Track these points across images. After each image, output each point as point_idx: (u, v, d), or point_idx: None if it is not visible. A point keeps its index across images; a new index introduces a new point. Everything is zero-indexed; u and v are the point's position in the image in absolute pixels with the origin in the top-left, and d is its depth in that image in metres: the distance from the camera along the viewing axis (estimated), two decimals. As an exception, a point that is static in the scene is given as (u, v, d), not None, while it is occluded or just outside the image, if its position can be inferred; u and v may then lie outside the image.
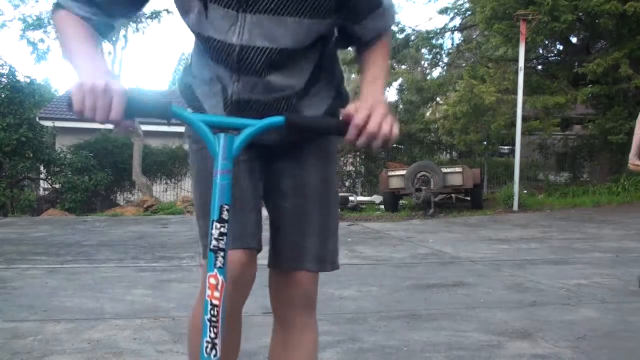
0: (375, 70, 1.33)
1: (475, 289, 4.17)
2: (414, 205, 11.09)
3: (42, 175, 14.48)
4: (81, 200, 13.26)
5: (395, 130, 1.16)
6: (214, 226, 1.08)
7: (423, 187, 10.54)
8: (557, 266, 5.16)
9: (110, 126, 1.23)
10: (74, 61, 1.20)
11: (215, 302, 1.07)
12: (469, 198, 11.70)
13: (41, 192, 14.86)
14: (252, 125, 1.16)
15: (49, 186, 14.40)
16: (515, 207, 10.82)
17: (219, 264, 1.08)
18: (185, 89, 1.45)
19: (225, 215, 1.09)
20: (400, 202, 11.93)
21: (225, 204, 1.09)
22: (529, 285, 4.28)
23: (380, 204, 12.55)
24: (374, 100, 1.19)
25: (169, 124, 1.14)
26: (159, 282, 4.45)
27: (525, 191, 12.33)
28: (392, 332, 3.06)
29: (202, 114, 1.23)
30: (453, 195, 11.85)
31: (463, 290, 4.14)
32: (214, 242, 1.08)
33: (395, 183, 11.04)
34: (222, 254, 1.08)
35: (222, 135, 1.12)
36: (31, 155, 13.33)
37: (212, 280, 1.08)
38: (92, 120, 1.10)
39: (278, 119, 1.16)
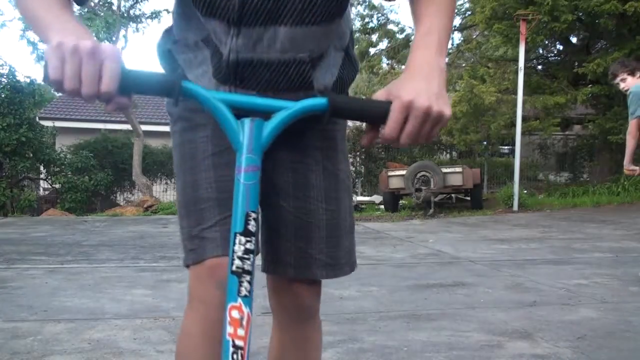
0: (428, 23, 1.01)
1: (475, 289, 4.17)
2: (414, 205, 11.10)
3: (42, 175, 14.49)
4: (81, 200, 13.27)
5: (444, 121, 0.92)
6: (237, 240, 0.85)
7: (423, 187, 10.54)
8: (557, 266, 5.16)
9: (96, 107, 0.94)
10: (44, 28, 0.92)
11: (240, 342, 0.83)
12: (469, 198, 11.71)
13: (41, 192, 14.87)
14: (288, 108, 0.91)
15: (49, 186, 14.41)
16: (515, 207, 10.83)
17: (244, 291, 0.84)
18: (164, 56, 1.17)
19: (252, 226, 0.85)
20: (400, 202, 11.94)
21: (252, 211, 0.86)
22: (529, 285, 4.28)
23: (380, 204, 12.56)
24: (420, 76, 0.94)
25: (176, 103, 0.91)
26: (159, 282, 4.45)
27: (525, 191, 12.34)
28: (392, 332, 3.06)
29: (221, 92, 0.97)
30: (453, 195, 11.85)
31: (463, 290, 4.13)
32: (237, 262, 0.84)
33: (395, 183, 11.04)
34: (248, 277, 0.84)
35: (247, 120, 0.88)
36: (31, 155, 13.34)
37: (236, 314, 0.83)
38: (75, 94, 0.83)
39: (320, 101, 0.92)
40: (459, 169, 10.94)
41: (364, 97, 0.98)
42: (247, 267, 0.85)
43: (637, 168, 4.71)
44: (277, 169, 1.18)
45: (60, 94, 23.84)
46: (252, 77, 1.07)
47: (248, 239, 0.85)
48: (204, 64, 1.10)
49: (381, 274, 4.86)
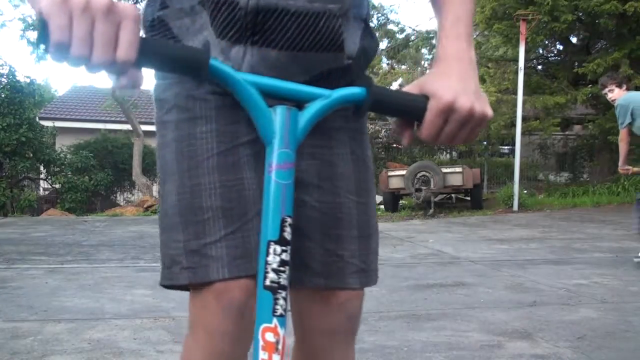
0: (454, 9, 0.92)
1: (475, 289, 4.17)
2: (414, 205, 11.10)
3: (42, 175, 14.50)
4: (81, 201, 13.28)
5: (485, 122, 0.83)
6: (271, 250, 0.73)
7: (423, 187, 10.54)
8: (557, 266, 5.16)
9: (107, 78, 0.73)
10: None
11: None
12: (469, 198, 11.71)
13: (41, 192, 14.88)
14: (325, 97, 0.80)
15: (49, 186, 14.42)
16: (515, 207, 10.83)
17: (279, 310, 0.73)
18: (153, 25, 0.97)
19: (288, 234, 0.74)
20: (400, 202, 11.94)
21: (288, 216, 0.75)
22: (529, 285, 4.28)
23: (380, 204, 12.55)
24: (456, 72, 0.85)
25: (200, 83, 0.74)
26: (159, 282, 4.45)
27: (525, 191, 12.34)
28: (392, 332, 3.06)
29: (251, 74, 0.80)
30: (453, 195, 11.86)
31: (463, 290, 4.13)
32: (271, 276, 0.73)
33: (395, 183, 11.05)
34: (283, 294, 0.73)
35: (282, 108, 0.76)
36: (31, 155, 13.35)
37: (270, 337, 0.72)
38: (83, 61, 0.67)
39: (358, 90, 0.80)
40: (459, 169, 10.94)
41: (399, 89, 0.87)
42: (282, 281, 0.73)
43: (630, 167, 5.28)
44: (301, 159, 0.97)
45: (60, 95, 23.71)
46: (275, 30, 0.90)
47: (284, 248, 0.74)
48: (205, 29, 0.92)
49: (381, 274, 4.84)
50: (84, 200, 13.40)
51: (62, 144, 14.75)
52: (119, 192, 15.90)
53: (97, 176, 13.85)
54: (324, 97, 0.79)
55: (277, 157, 0.75)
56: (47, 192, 14.58)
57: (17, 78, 13.27)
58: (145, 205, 12.88)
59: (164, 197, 0.95)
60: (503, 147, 17.21)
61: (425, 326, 3.17)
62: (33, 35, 14.64)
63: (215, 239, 0.90)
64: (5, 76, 13.10)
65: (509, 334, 2.99)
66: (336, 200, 1.00)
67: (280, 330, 0.72)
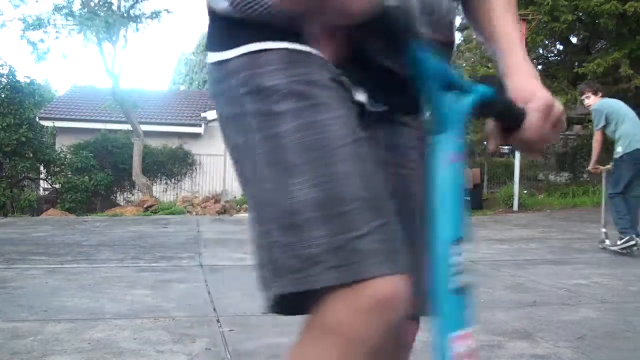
0: (508, 29, 0.94)
1: (475, 289, 4.17)
2: (414, 205, 11.11)
3: (42, 175, 14.50)
4: (81, 201, 13.28)
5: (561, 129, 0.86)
6: (456, 251, 0.68)
7: (423, 187, 10.56)
8: (557, 266, 5.16)
9: None
10: None
11: None
12: (468, 198, 11.71)
13: (41, 192, 14.88)
14: (475, 92, 0.75)
15: (49, 186, 14.42)
16: (515, 207, 10.84)
17: (468, 314, 0.66)
18: None
19: (465, 232, 0.68)
20: (400, 202, 11.95)
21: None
22: (529, 285, 4.28)
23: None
24: (537, 81, 0.86)
25: (402, 64, 0.67)
26: (159, 282, 4.45)
27: (525, 191, 12.35)
28: (392, 332, 3.06)
29: (438, 63, 0.74)
30: (453, 195, 11.87)
31: (463, 290, 4.13)
32: (459, 278, 0.67)
33: (395, 183, 11.05)
34: (468, 298, 0.67)
35: (462, 97, 0.72)
36: (31, 155, 13.36)
37: (465, 347, 0.64)
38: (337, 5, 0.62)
39: (489, 90, 0.76)
40: (458, 169, 10.94)
41: None
42: (467, 284, 0.65)
43: (599, 167, 6.00)
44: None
45: (60, 95, 23.61)
46: None
47: (464, 248, 0.65)
48: None
49: (381, 274, 4.85)
50: (84, 200, 13.40)
51: (62, 144, 14.75)
52: (119, 192, 15.89)
53: (97, 176, 13.85)
54: (475, 92, 0.74)
55: (458, 147, 0.68)
56: (47, 192, 14.57)
57: (17, 78, 13.28)
58: (145, 205, 12.88)
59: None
60: (503, 147, 17.19)
61: (425, 326, 3.17)
62: (33, 35, 14.60)
63: (365, 232, 0.77)
64: (5, 76, 13.11)
65: (509, 334, 2.99)
66: (411, 225, 0.92)
67: (473, 337, 0.63)
